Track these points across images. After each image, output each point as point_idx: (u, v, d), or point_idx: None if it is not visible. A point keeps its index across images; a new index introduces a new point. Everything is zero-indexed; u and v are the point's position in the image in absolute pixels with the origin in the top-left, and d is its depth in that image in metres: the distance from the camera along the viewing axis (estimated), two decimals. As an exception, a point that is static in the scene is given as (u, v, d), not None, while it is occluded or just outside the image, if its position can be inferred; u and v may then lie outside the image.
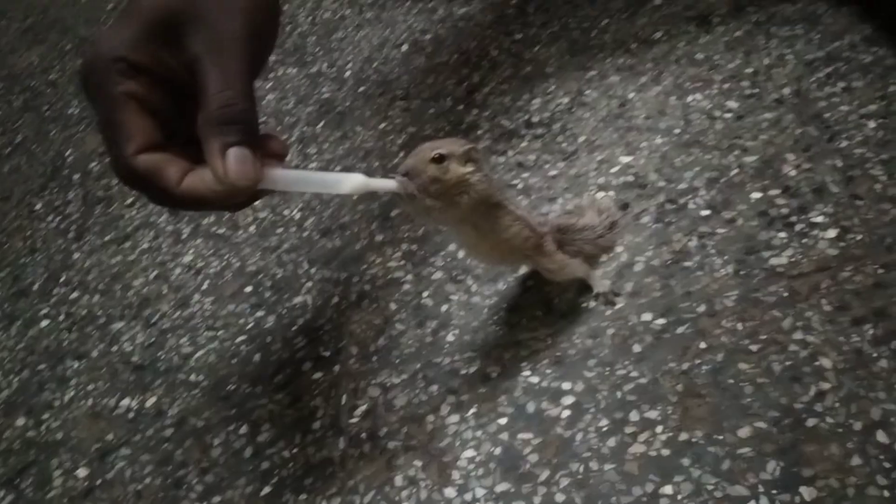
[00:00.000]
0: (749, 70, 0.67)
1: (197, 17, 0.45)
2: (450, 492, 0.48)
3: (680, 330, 0.51)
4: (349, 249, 0.66)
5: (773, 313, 0.50)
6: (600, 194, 0.62)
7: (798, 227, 0.55)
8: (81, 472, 0.58)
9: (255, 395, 0.59)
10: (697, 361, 0.49)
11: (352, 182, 0.45)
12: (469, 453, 0.50)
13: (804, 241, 0.53)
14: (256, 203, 0.71)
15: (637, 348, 0.51)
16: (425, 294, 0.60)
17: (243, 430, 0.57)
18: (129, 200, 0.80)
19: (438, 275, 0.61)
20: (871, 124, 0.60)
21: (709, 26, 0.73)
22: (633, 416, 0.48)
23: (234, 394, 0.59)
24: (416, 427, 0.52)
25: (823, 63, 0.66)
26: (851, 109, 0.61)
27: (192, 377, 0.62)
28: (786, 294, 0.51)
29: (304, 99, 0.84)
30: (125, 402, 0.62)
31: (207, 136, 0.43)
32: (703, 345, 0.50)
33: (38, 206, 0.84)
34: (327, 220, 0.70)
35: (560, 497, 0.46)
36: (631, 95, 0.69)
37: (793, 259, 0.53)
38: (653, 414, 0.48)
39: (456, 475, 0.49)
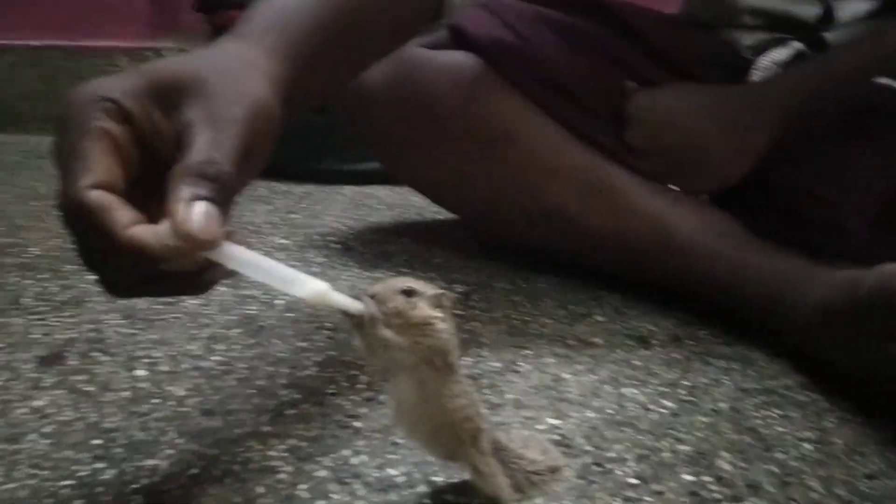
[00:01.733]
0: (686, 383, 0.67)
1: (202, 92, 0.44)
2: None
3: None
4: (227, 431, 0.58)
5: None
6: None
7: (732, 513, 0.49)
8: None
9: (57, 539, 0.46)
10: None
11: (312, 287, 0.41)
12: None
13: (738, 525, 0.48)
14: (137, 371, 0.64)
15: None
16: (302, 487, 0.51)
17: (24, 571, 0.43)
18: (-2, 345, 0.71)
19: (323, 473, 0.53)
20: (808, 446, 0.58)
21: (648, 345, 0.74)
22: None
23: (31, 533, 0.46)
24: None
25: (759, 393, 0.66)
26: (787, 431, 0.60)
27: (-14, 507, 0.49)
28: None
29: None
30: None
31: (178, 184, 0.40)
32: None
33: None
34: (214, 402, 0.62)
35: None
36: (566, 376, 0.67)
37: (726, 538, 0.47)
38: None
39: None
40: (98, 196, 0.39)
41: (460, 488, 0.51)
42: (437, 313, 0.43)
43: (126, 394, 0.63)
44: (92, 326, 0.75)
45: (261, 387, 0.64)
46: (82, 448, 0.55)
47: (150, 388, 0.63)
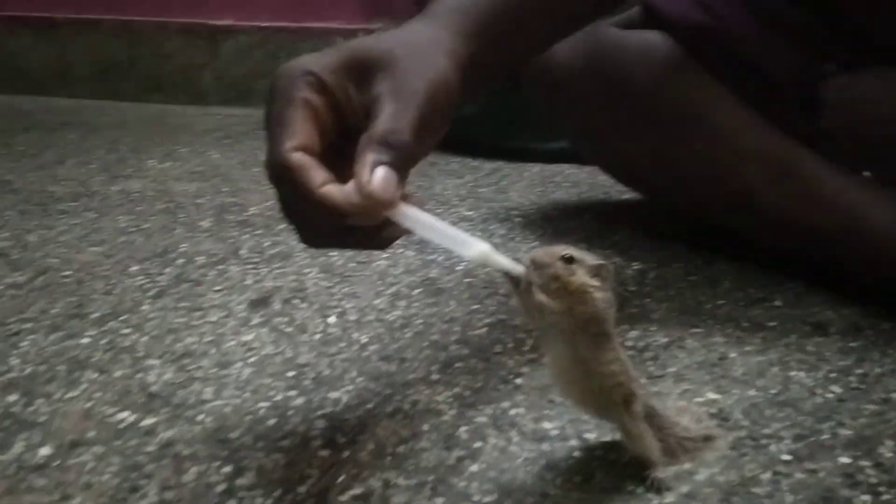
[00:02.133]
0: (859, 371, 0.65)
1: (390, 67, 0.49)
2: None
3: (730, 538, 0.45)
4: (401, 375, 0.64)
5: (843, 557, 0.43)
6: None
7: (886, 498, 0.49)
8: (44, 451, 0.54)
9: (254, 447, 0.54)
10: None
11: (477, 248, 0.45)
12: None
13: (891, 509, 0.47)
14: (329, 318, 0.71)
15: (676, 540, 0.45)
16: (462, 428, 0.56)
17: (226, 469, 0.52)
18: (218, 287, 0.82)
19: (482, 419, 0.57)
20: None
21: (825, 332, 0.72)
22: None
23: (233, 440, 0.55)
24: (406, 529, 0.46)
25: (939, 388, 0.63)
26: (965, 429, 0.57)
27: (200, 417, 0.58)
28: (861, 545, 0.44)
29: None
30: (123, 414, 0.58)
31: (364, 150, 0.46)
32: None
33: (133, 268, 0.87)
34: (391, 350, 0.68)
35: None
36: (732, 355, 0.67)
37: (875, 520, 0.46)
38: None
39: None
40: (298, 157, 0.45)
41: (611, 446, 0.54)
42: (595, 282, 0.45)
43: (318, 336, 0.71)
44: (295, 277, 0.84)
45: (434, 341, 0.70)
46: (279, 378, 0.63)
47: (339, 333, 0.71)
